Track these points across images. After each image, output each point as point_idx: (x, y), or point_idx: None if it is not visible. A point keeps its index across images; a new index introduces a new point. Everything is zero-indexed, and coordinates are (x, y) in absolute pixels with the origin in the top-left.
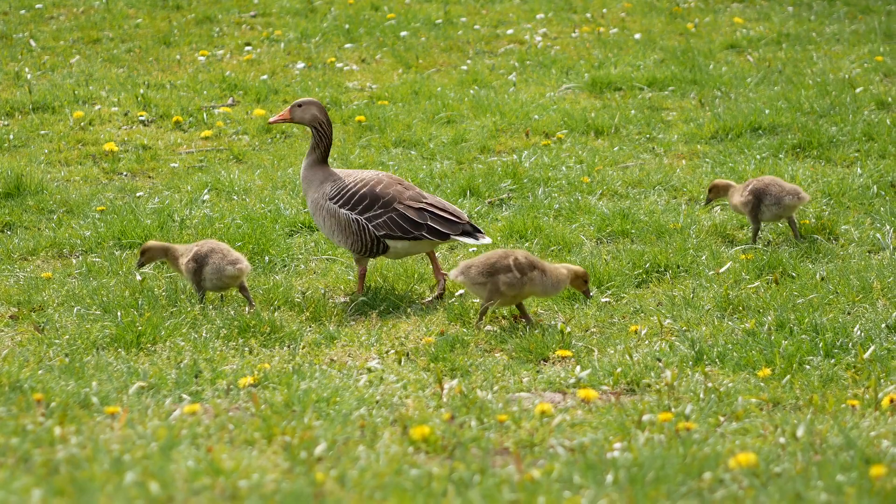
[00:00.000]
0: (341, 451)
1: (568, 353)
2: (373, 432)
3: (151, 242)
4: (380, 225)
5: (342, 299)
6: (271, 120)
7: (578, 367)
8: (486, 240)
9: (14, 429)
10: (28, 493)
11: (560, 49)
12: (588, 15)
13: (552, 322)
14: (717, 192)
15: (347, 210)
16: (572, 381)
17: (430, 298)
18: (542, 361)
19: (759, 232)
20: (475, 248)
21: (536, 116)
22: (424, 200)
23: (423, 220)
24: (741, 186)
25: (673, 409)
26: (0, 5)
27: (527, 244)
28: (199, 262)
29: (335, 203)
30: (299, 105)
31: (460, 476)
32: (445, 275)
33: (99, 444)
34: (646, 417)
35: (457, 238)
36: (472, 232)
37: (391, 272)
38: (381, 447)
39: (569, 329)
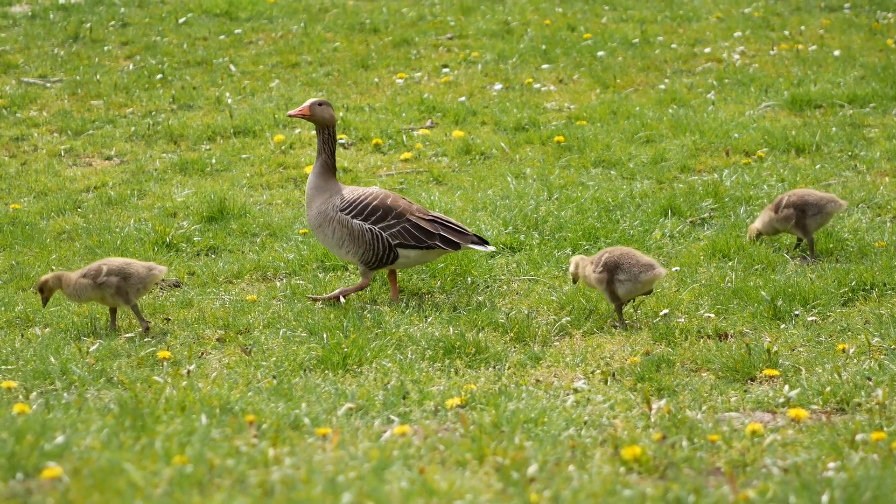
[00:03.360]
0: (553, 472)
1: (775, 372)
2: (583, 453)
3: (47, 276)
4: (394, 234)
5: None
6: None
7: (787, 387)
8: (492, 248)
9: (228, 450)
10: None
11: (758, 67)
12: (786, 32)
13: (758, 341)
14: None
15: (361, 220)
16: (781, 400)
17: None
18: (749, 381)
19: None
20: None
21: (736, 135)
22: (431, 213)
23: (436, 231)
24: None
25: (885, 429)
26: (200, 31)
27: (730, 263)
28: (121, 273)
29: (347, 214)
30: (319, 104)
31: (675, 496)
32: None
33: (313, 466)
34: (859, 437)
35: (468, 246)
36: (479, 241)
37: (594, 293)
38: (592, 467)
39: (775, 348)
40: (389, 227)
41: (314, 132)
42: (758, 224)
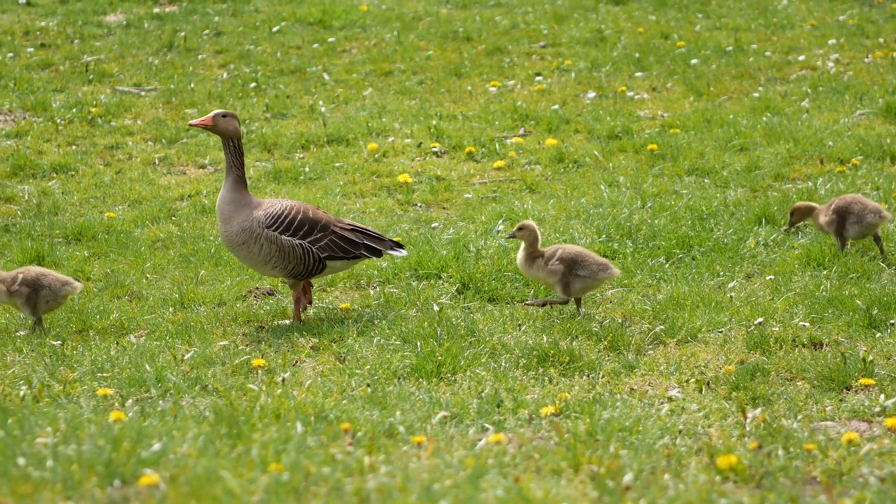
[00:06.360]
0: (648, 481)
1: (871, 381)
2: (678, 461)
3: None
4: (322, 247)
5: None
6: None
7: (883, 396)
8: (404, 252)
9: (324, 458)
10: None
11: (853, 75)
12: (881, 40)
13: (854, 350)
14: (799, 215)
15: (289, 236)
16: (877, 409)
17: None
18: (844, 390)
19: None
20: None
21: (830, 143)
22: (350, 224)
23: (360, 241)
24: (824, 207)
25: None
26: (293, 40)
27: (824, 272)
28: (34, 284)
29: (274, 230)
30: (223, 115)
31: None
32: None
33: (408, 473)
34: None
35: (388, 252)
36: (394, 246)
37: (688, 301)
38: (687, 476)
39: (871, 357)
40: (317, 240)
41: (406, 140)
42: (822, 220)
